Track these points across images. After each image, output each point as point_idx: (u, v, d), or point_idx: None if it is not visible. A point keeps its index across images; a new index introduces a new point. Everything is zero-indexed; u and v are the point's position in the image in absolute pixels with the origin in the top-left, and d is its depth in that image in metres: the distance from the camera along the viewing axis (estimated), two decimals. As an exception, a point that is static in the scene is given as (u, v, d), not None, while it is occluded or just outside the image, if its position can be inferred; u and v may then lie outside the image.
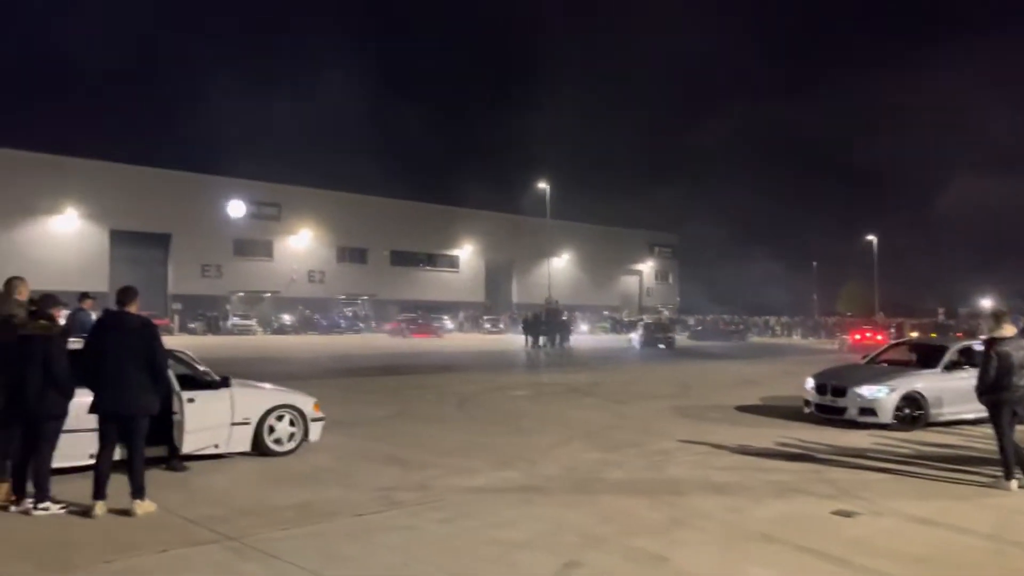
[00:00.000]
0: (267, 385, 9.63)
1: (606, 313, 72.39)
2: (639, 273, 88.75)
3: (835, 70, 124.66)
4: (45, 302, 6.63)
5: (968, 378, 11.36)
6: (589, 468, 8.42)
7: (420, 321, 54.40)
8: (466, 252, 72.23)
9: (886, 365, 12.82)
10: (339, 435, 10.09)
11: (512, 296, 75.15)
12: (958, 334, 40.67)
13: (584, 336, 51.02)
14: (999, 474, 7.80)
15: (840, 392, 11.79)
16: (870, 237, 78.41)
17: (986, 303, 68.13)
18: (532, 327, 37.95)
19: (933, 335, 38.93)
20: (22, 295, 6.91)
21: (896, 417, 11.30)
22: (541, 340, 37.54)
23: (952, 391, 11.46)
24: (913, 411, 11.40)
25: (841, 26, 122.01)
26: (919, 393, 11.45)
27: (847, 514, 6.57)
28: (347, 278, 64.10)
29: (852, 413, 11.54)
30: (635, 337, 41.40)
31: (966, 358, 11.97)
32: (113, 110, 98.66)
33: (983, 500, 7.18)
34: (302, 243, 61.84)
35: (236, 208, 58.49)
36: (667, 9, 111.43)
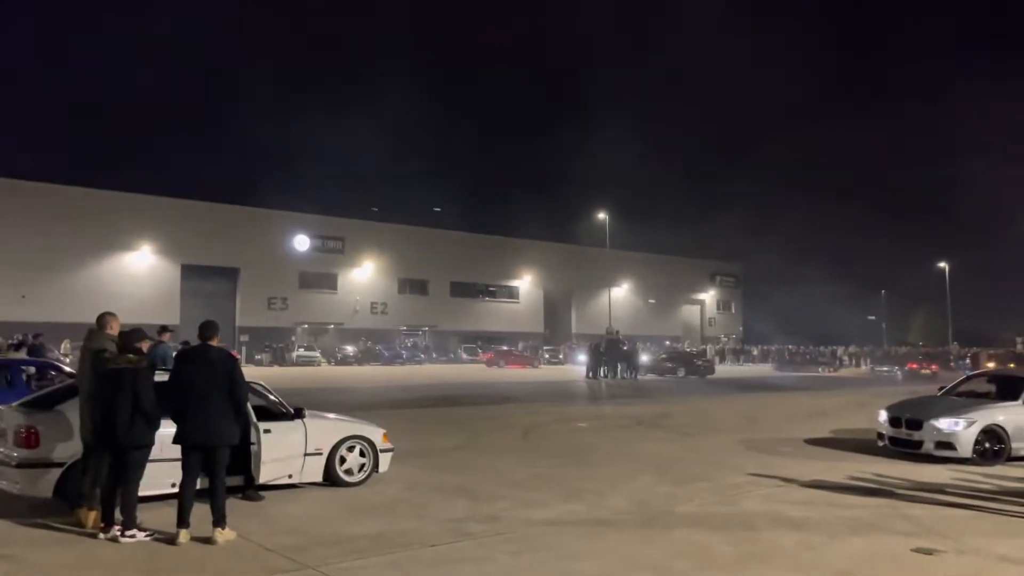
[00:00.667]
0: (333, 415, 9.82)
1: (667, 343, 71.59)
2: (701, 303, 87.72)
3: (905, 94, 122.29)
4: (133, 336, 6.93)
5: None
6: (659, 502, 8.35)
7: (515, 352, 55.67)
8: (525, 283, 72.53)
9: (962, 398, 12.43)
10: (408, 466, 10.21)
11: (571, 326, 74.99)
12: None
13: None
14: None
15: (916, 425, 11.47)
16: (942, 264, 76.18)
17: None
18: (595, 357, 37.75)
19: (1012, 365, 37.49)
20: (113, 330, 7.24)
21: (976, 451, 10.95)
22: (604, 371, 37.31)
23: None
24: (994, 445, 11.03)
25: (909, 50, 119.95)
26: (999, 426, 11.07)
27: (928, 552, 6.39)
28: (408, 309, 64.98)
29: (929, 447, 11.22)
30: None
31: None
32: (181, 147, 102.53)
33: (1074, 539, 6.90)
34: (365, 275, 62.96)
35: (301, 242, 59.96)
36: (730, 34, 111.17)
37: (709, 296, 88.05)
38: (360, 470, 8.92)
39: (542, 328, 72.84)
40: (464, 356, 60.92)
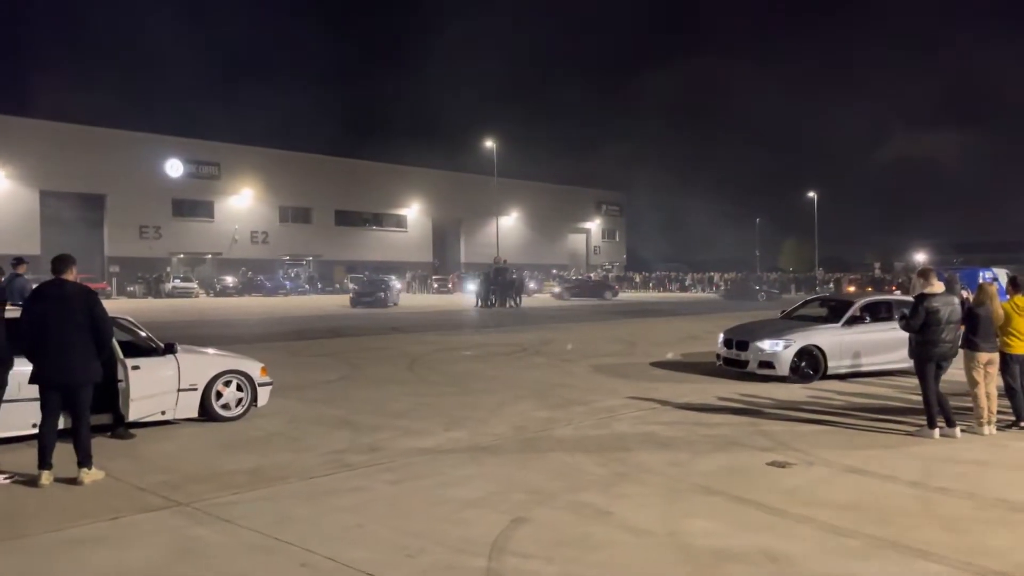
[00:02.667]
0: (211, 350, 9.58)
1: (554, 272, 72.81)
2: (587, 231, 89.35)
3: (772, 27, 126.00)
4: (-22, 270, 6.48)
5: (868, 332, 12.09)
6: (538, 426, 8.62)
7: (590, 283, 55.53)
8: (413, 211, 71.81)
9: (795, 321, 13.28)
10: (288, 399, 10.13)
11: (460, 255, 75.08)
12: (892, 287, 42.17)
13: (534, 296, 51.25)
14: (923, 423, 8.24)
15: (743, 346, 12.30)
16: (811, 194, 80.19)
17: (920, 257, 70.50)
18: (484, 286, 38.06)
19: (869, 288, 40.24)
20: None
21: (793, 370, 11.80)
22: (491, 299, 37.71)
23: (852, 345, 12.10)
24: (809, 364, 11.89)
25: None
26: (817, 347, 11.93)
27: (782, 465, 6.89)
28: (291, 238, 63.30)
29: (753, 366, 12.07)
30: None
31: (870, 314, 12.61)
32: (38, 63, 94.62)
33: (908, 449, 7.59)
34: (243, 203, 60.72)
35: (173, 167, 57.04)
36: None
37: (595, 225, 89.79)
38: (237, 404, 8.79)
39: (431, 257, 72.63)
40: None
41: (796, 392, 10.95)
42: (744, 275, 68.23)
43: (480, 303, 37.34)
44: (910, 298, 11.81)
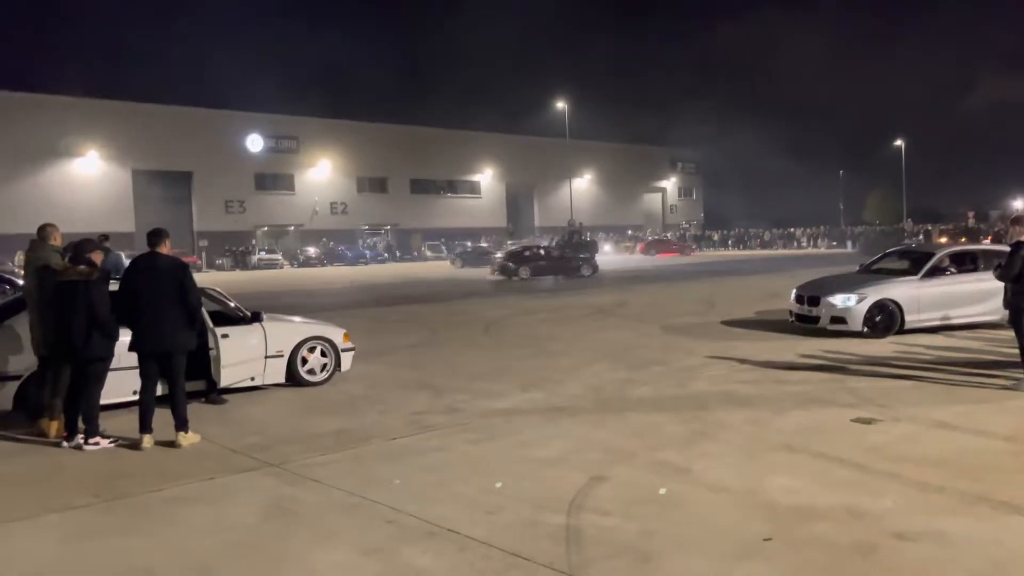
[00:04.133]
0: (296, 318, 9.87)
1: (630, 232, 72.12)
2: (662, 190, 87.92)
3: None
4: (84, 246, 6.78)
5: (951, 284, 11.61)
6: (615, 387, 8.61)
7: (662, 241, 58.79)
8: (486, 177, 71.96)
9: (872, 274, 12.85)
10: (370, 364, 10.37)
11: (534, 219, 75.00)
12: (987, 237, 40.18)
13: (609, 256, 50.86)
14: (1020, 376, 7.88)
15: (815, 302, 12.00)
16: (898, 142, 76.80)
17: (1017, 204, 66.86)
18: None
19: (964, 239, 38.45)
20: (56, 240, 7.09)
21: (867, 324, 11.43)
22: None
23: (933, 297, 11.63)
24: (884, 319, 11.49)
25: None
26: (892, 301, 11.52)
27: (867, 421, 6.72)
28: (369, 208, 64.36)
29: (824, 322, 11.78)
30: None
31: (956, 264, 12.12)
32: (127, 49, 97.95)
33: (1003, 403, 7.29)
34: (322, 175, 61.94)
35: (254, 142, 58.53)
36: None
37: (670, 183, 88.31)
38: (322, 370, 9.05)
39: (505, 222, 72.78)
40: (428, 254, 60.91)
41: (882, 347, 10.63)
42: (877, 230, 65.69)
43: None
44: (999, 247, 11.24)
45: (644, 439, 6.40)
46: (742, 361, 9.92)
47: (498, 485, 5.33)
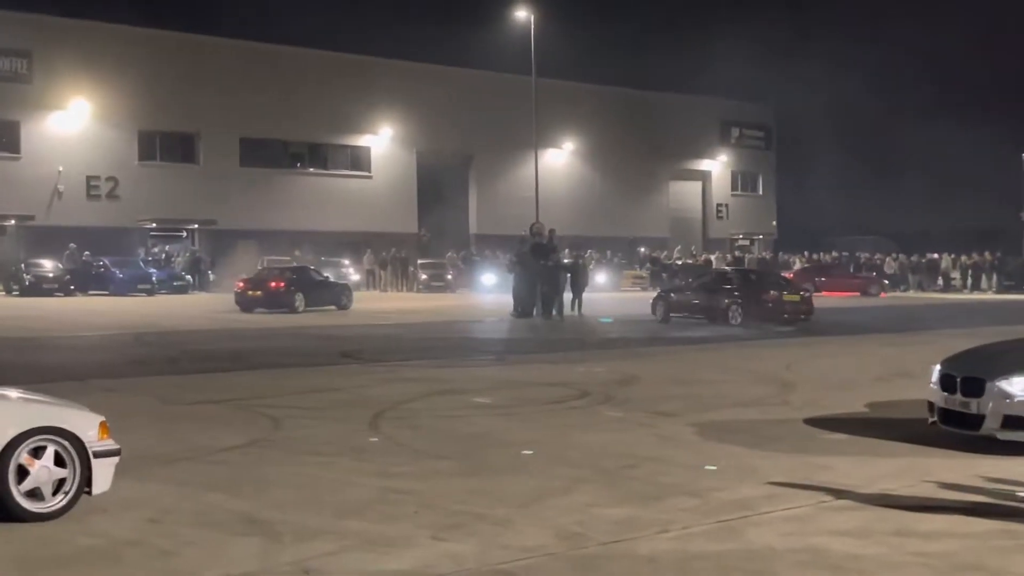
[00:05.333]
0: (12, 392, 9.66)
1: (643, 250, 72.65)
2: (704, 176, 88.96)
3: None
4: None
5: None
6: (607, 534, 8.58)
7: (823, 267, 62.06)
8: (383, 141, 72.03)
9: None
10: (153, 480, 10.22)
11: (469, 222, 75.23)
12: None
13: (602, 293, 51.22)
14: None
15: (974, 389, 12.13)
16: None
17: None
18: (524, 280, 37.83)
19: None
20: None
21: None
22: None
23: None
24: None
25: None
26: None
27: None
28: (160, 190, 63.82)
29: (991, 425, 11.91)
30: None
31: None
32: None
33: None
34: (74, 125, 61.59)
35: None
36: None
37: (718, 164, 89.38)
38: (57, 490, 8.84)
39: (415, 227, 72.44)
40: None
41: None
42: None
43: (521, 309, 37.03)
44: None
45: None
46: (839, 494, 9.95)
47: None
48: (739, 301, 35.17)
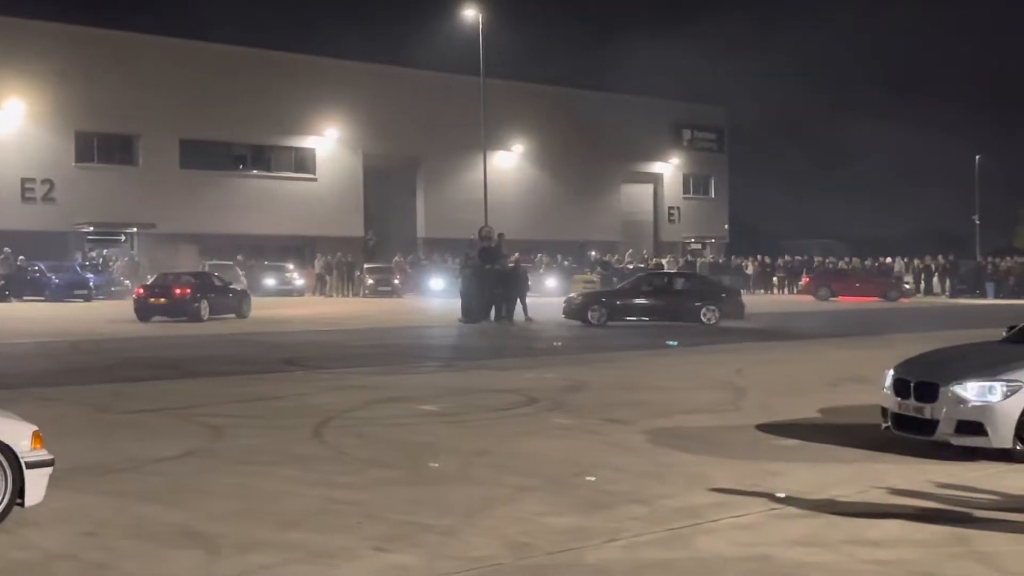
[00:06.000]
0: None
1: (593, 254, 72.87)
2: (656, 179, 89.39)
3: None
4: None
5: None
6: (554, 543, 8.58)
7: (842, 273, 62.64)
8: (329, 143, 72.18)
9: None
10: (86, 492, 10.14)
11: (417, 225, 75.25)
12: None
13: (552, 298, 51.38)
14: None
15: (927, 393, 12.22)
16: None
17: None
18: (472, 282, 37.85)
19: None
20: None
21: (1022, 438, 11.65)
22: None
23: None
24: None
25: None
26: None
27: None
28: (98, 193, 63.44)
29: (945, 430, 11.97)
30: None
31: None
32: None
33: None
34: (8, 125, 61.32)
35: None
36: None
37: (670, 167, 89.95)
38: (-15, 502, 8.79)
39: (361, 230, 72.45)
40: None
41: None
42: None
43: (466, 314, 37.19)
44: None
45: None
46: (790, 501, 10.01)
47: None
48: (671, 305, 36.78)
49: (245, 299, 42.21)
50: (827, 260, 74.54)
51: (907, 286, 67.00)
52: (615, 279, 58.22)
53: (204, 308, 38.78)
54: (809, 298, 60.32)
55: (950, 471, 11.30)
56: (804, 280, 60.98)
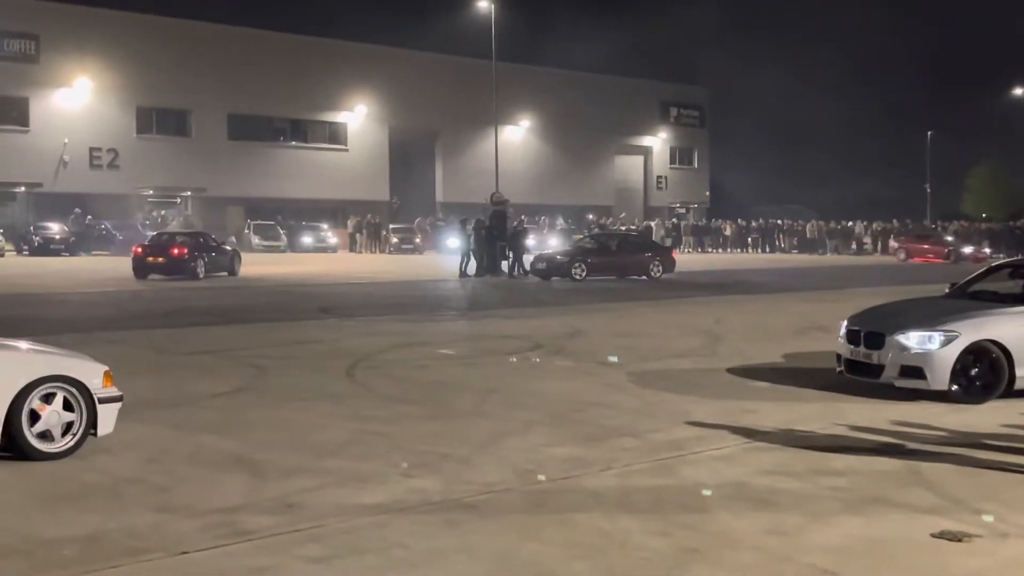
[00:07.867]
0: (22, 344, 9.62)
1: (591, 217, 72.84)
2: (645, 152, 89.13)
3: None
4: None
5: None
6: (556, 470, 8.66)
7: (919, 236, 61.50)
8: (358, 118, 71.92)
9: (968, 300, 13.24)
10: (150, 423, 10.21)
11: (436, 191, 75.12)
12: None
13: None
14: None
15: (876, 342, 12.29)
16: (1020, 91, 79.39)
17: None
18: (471, 240, 37.81)
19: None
20: None
21: (957, 381, 11.72)
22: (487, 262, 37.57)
23: None
24: (983, 372, 11.81)
25: None
26: (995, 343, 11.81)
27: (956, 537, 6.90)
28: (156, 161, 63.42)
29: (890, 374, 12.05)
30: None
31: None
32: None
33: None
34: (78, 101, 61.09)
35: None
36: None
37: (658, 141, 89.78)
38: (65, 432, 8.85)
39: (387, 195, 72.54)
40: (255, 241, 60.12)
41: (981, 417, 10.96)
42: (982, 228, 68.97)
43: (465, 269, 37.26)
44: None
45: (603, 559, 6.44)
46: (760, 434, 10.09)
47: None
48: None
49: (236, 258, 40.22)
50: (796, 223, 74.34)
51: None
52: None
53: (200, 266, 36.71)
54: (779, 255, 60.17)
55: (902, 410, 11.35)
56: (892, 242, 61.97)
